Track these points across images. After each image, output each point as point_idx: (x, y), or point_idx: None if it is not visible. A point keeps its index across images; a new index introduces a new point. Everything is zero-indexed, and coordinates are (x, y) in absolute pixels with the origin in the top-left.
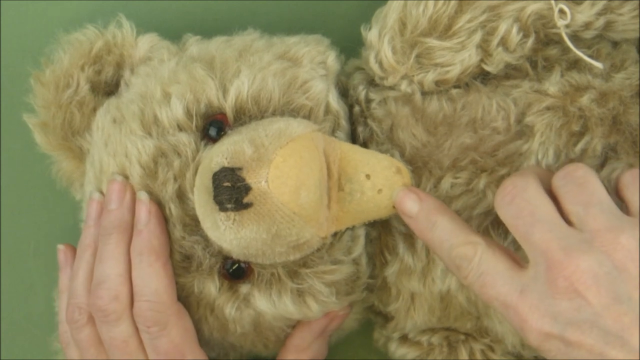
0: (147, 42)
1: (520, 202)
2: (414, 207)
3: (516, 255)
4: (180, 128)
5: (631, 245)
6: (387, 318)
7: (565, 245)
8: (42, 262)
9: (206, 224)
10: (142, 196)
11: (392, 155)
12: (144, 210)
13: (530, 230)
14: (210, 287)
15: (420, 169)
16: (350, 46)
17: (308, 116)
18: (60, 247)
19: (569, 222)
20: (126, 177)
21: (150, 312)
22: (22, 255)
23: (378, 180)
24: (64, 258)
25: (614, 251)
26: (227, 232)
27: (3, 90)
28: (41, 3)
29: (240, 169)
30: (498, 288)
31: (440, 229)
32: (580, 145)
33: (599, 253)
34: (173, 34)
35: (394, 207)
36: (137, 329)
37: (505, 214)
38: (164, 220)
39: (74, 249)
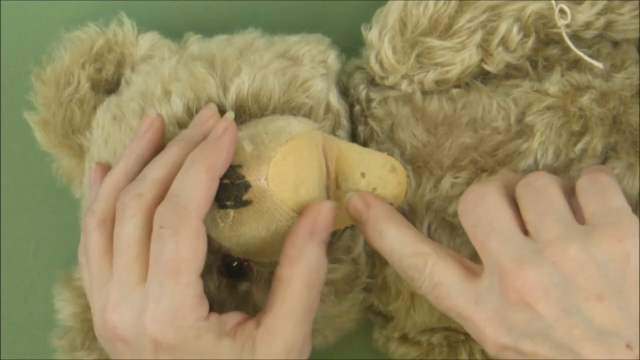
0: (148, 41)
1: (479, 211)
2: (363, 213)
3: (468, 262)
4: (180, 125)
5: (580, 256)
6: (387, 318)
7: (517, 256)
8: (42, 262)
9: (205, 221)
10: (230, 116)
11: (392, 154)
12: (223, 125)
13: (487, 239)
14: (210, 285)
15: (420, 169)
16: (351, 46)
17: (308, 115)
18: (92, 165)
19: (527, 232)
20: None
21: (171, 213)
22: (22, 255)
23: (372, 179)
24: (95, 176)
25: (563, 262)
26: (226, 230)
27: (3, 90)
28: (41, 3)
29: (240, 166)
30: (453, 300)
31: (389, 238)
32: (580, 145)
33: (548, 264)
34: (174, 33)
35: (390, 204)
36: (146, 236)
37: (465, 222)
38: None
39: (105, 167)
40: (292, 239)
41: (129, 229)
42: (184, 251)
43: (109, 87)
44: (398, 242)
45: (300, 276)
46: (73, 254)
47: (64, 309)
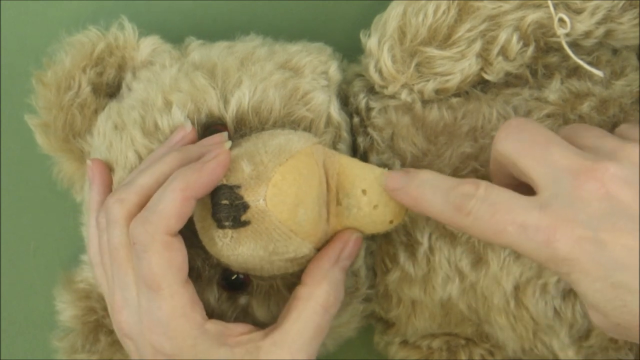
0: (149, 45)
1: (531, 130)
2: (401, 180)
3: None
4: None
5: None
6: (388, 324)
7: (589, 156)
8: (42, 262)
9: (204, 239)
10: (228, 145)
11: (393, 165)
12: (216, 152)
13: (548, 151)
14: (209, 298)
15: None
16: (356, 47)
17: (309, 128)
18: (88, 162)
19: None
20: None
21: (140, 229)
22: (22, 255)
23: (374, 196)
24: (92, 173)
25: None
26: (224, 249)
27: (3, 91)
28: (41, 3)
29: (238, 186)
30: (514, 211)
31: (431, 181)
32: None
33: (625, 160)
34: (174, 34)
35: (390, 222)
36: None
37: (514, 145)
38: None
39: (102, 163)
40: (318, 261)
41: (115, 233)
42: (157, 266)
43: (110, 90)
44: (441, 180)
45: (320, 298)
46: (73, 254)
47: (65, 311)
